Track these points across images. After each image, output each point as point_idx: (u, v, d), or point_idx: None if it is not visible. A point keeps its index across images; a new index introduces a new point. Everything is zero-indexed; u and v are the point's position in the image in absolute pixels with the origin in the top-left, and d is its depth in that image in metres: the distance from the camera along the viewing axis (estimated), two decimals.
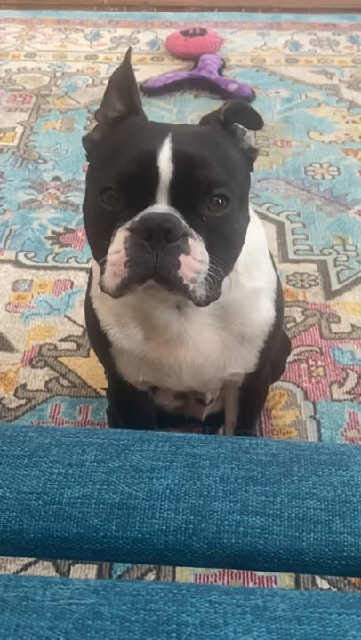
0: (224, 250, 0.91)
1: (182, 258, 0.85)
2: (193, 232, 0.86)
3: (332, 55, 2.84)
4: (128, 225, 0.86)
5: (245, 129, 0.99)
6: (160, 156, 0.85)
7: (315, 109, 2.51)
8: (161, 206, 0.86)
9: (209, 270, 0.87)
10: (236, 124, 0.97)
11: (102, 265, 0.89)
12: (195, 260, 0.86)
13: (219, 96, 2.48)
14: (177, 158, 0.85)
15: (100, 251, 0.90)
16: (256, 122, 0.98)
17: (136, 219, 0.85)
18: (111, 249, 0.87)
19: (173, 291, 0.87)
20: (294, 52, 2.86)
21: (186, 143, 0.88)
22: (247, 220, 0.97)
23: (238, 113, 0.97)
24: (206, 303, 0.90)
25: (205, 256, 0.87)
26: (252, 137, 1.13)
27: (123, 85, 0.97)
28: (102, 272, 0.89)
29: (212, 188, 0.87)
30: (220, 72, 2.63)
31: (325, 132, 2.39)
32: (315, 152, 2.30)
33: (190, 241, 0.86)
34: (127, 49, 1.00)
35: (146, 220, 0.85)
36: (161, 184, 0.85)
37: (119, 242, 0.86)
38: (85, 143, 1.00)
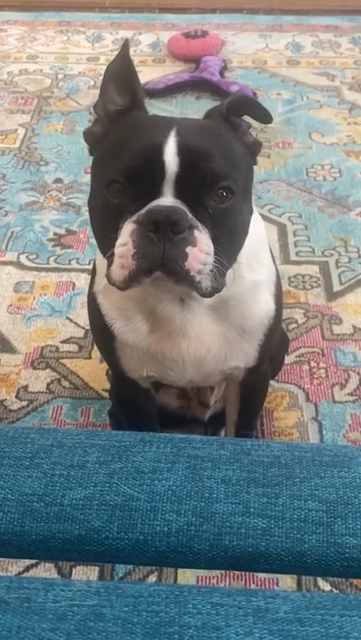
0: (229, 241, 0.92)
1: (189, 249, 0.86)
2: (199, 224, 0.87)
3: (333, 57, 2.84)
4: (135, 218, 0.87)
5: (250, 123, 1.00)
6: (166, 149, 0.86)
7: (316, 111, 2.51)
8: (167, 199, 0.87)
9: (214, 262, 0.88)
10: (241, 117, 0.98)
11: (109, 258, 0.90)
12: (201, 251, 0.87)
13: (220, 98, 2.48)
14: (182, 151, 0.86)
15: (106, 244, 0.91)
16: (263, 114, 0.99)
17: (143, 211, 0.86)
18: (118, 242, 0.88)
19: (180, 282, 0.88)
20: (296, 54, 2.86)
21: (190, 136, 0.89)
22: (250, 212, 0.98)
23: (243, 106, 0.99)
24: (211, 294, 0.91)
25: (211, 248, 0.88)
26: None
27: (121, 78, 0.97)
28: (110, 265, 0.90)
29: (216, 180, 0.88)
30: (221, 74, 2.63)
31: (327, 134, 2.39)
32: (316, 154, 2.30)
33: (196, 233, 0.87)
34: (124, 41, 0.99)
35: (152, 212, 0.86)
36: (167, 177, 0.86)
37: (126, 234, 0.87)
38: (87, 137, 1.01)
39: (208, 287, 0.89)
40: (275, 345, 1.21)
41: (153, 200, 0.87)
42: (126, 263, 0.87)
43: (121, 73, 0.97)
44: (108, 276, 0.91)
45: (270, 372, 1.33)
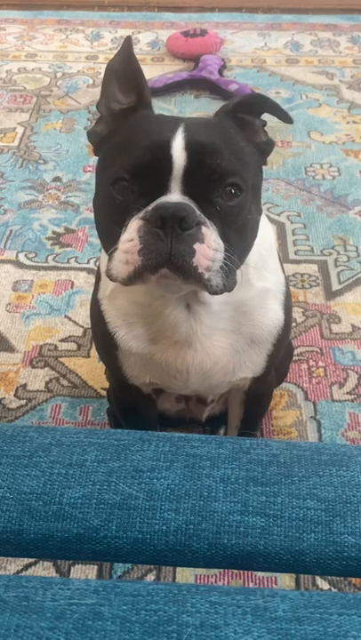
0: (237, 239, 0.91)
1: (197, 246, 0.85)
2: (207, 220, 0.86)
3: (332, 56, 2.84)
4: (142, 214, 0.85)
5: (265, 121, 0.99)
6: (173, 145, 0.85)
7: (315, 110, 2.51)
8: (174, 195, 0.86)
9: (223, 259, 0.87)
10: (258, 116, 0.97)
11: (111, 254, 0.88)
12: (209, 247, 0.85)
13: (219, 96, 2.48)
14: (190, 147, 0.85)
15: (110, 240, 0.90)
16: (278, 111, 0.97)
17: (150, 208, 0.85)
18: (124, 237, 0.86)
19: (187, 280, 0.86)
20: (295, 53, 2.86)
21: (198, 133, 0.88)
22: (260, 212, 0.97)
23: (257, 105, 0.97)
24: (222, 291, 0.89)
25: (220, 244, 0.87)
26: None
27: (124, 75, 0.96)
28: (110, 260, 0.88)
29: (224, 176, 0.87)
30: (220, 72, 2.63)
31: (326, 133, 2.39)
32: (315, 152, 2.30)
33: (204, 229, 0.85)
34: (126, 38, 0.97)
35: (160, 208, 0.84)
36: (174, 173, 0.85)
37: (133, 230, 0.86)
38: (91, 137, 1.00)
39: (219, 284, 0.87)
40: (282, 354, 1.20)
41: (160, 197, 0.86)
42: (132, 259, 0.86)
43: (123, 70, 0.96)
44: (108, 272, 0.89)
45: (275, 380, 1.32)
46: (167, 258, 0.85)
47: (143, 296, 1.00)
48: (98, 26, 3.06)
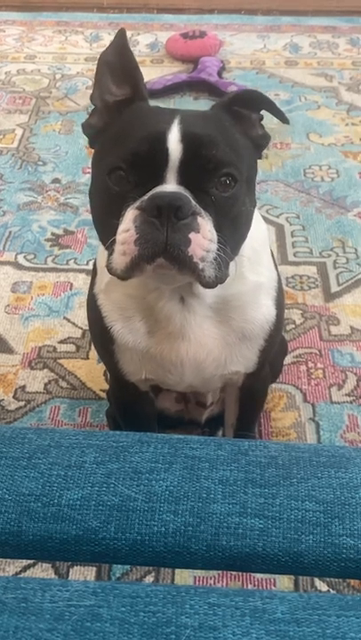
0: (232, 231, 0.91)
1: (192, 235, 0.85)
2: (202, 211, 0.87)
3: (331, 58, 2.85)
4: (138, 204, 0.86)
5: (262, 115, 0.99)
6: (169, 136, 0.86)
7: (314, 112, 2.51)
8: (170, 186, 0.86)
9: (217, 250, 0.88)
10: (256, 111, 0.99)
11: (110, 247, 0.89)
12: (204, 238, 0.86)
13: (218, 98, 2.48)
14: (185, 139, 0.86)
15: (107, 232, 0.90)
16: (275, 110, 0.99)
17: (146, 197, 0.86)
18: (120, 228, 0.87)
19: (183, 270, 0.87)
20: (294, 55, 2.86)
21: (194, 124, 0.89)
22: (253, 204, 0.98)
23: (251, 100, 0.98)
24: (215, 284, 0.90)
25: (214, 235, 0.87)
26: None
27: (118, 67, 0.96)
28: (110, 253, 0.89)
29: (219, 166, 0.88)
30: (219, 74, 2.63)
31: (325, 135, 2.39)
32: (314, 154, 2.30)
33: (199, 219, 0.86)
34: (119, 30, 0.97)
35: (155, 198, 0.85)
36: (170, 164, 0.86)
37: (129, 220, 0.86)
38: (86, 130, 1.00)
39: (211, 276, 0.88)
40: (275, 350, 1.21)
41: (156, 187, 0.86)
42: (128, 249, 0.86)
43: (117, 62, 0.96)
44: (108, 265, 0.90)
45: (270, 377, 1.33)
46: (163, 247, 0.85)
47: (137, 289, 1.01)
48: (97, 27, 3.07)
